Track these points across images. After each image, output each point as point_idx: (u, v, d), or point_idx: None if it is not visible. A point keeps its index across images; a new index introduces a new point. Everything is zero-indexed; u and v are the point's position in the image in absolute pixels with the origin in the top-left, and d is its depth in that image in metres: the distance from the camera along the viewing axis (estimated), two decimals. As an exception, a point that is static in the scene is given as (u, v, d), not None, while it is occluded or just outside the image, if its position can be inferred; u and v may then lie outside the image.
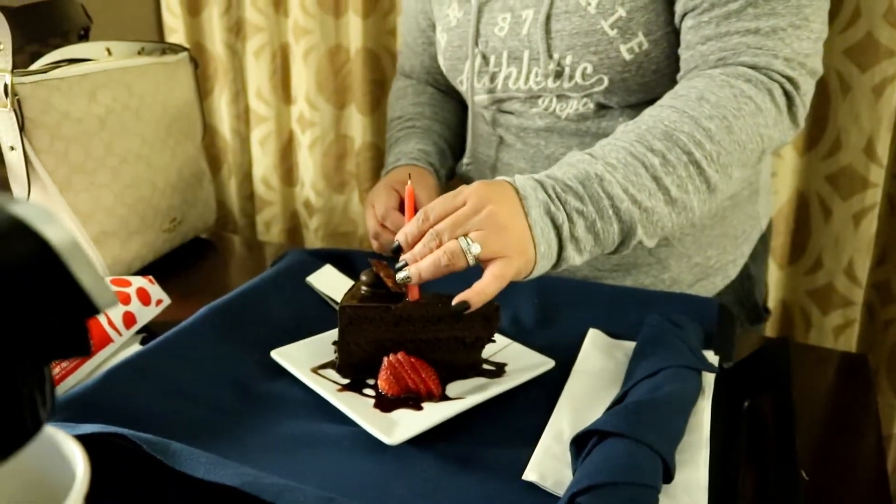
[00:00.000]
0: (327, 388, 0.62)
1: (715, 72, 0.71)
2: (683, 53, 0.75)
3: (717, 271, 0.94)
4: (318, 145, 1.52)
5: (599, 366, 0.65)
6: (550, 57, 0.79)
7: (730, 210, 0.92)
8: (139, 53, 0.96)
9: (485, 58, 0.86)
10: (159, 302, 0.77)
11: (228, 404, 0.61)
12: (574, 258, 0.63)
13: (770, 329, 1.36)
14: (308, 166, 1.55)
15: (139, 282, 0.76)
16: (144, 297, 0.75)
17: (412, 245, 0.62)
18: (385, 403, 0.61)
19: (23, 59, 0.83)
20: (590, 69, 0.78)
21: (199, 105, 1.03)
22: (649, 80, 0.78)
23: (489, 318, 0.65)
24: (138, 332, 0.74)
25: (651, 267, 0.89)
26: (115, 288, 0.74)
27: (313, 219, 1.58)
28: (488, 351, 0.67)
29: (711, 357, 0.67)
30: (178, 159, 0.96)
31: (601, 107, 0.82)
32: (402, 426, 0.57)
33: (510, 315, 0.76)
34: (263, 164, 1.60)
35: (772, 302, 1.32)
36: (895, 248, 1.27)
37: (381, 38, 1.43)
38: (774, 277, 1.30)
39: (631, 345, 0.69)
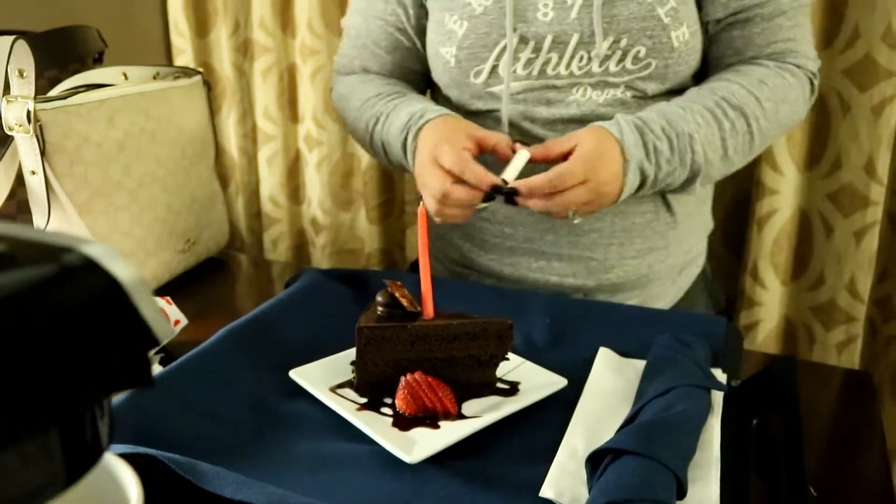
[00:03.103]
0: (346, 407, 0.64)
1: (770, 63, 0.86)
2: (735, 43, 0.87)
3: (693, 261, 1.00)
4: (325, 164, 1.54)
5: (611, 384, 0.67)
6: (605, 39, 0.82)
7: (704, 203, 1.00)
8: (154, 78, 0.98)
9: (522, 44, 0.84)
10: (177, 322, 0.78)
11: (250, 424, 0.63)
12: (640, 194, 0.81)
13: (774, 345, 1.37)
14: (315, 184, 1.57)
15: (158, 303, 0.77)
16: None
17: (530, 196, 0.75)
18: (403, 422, 0.63)
19: (42, 84, 0.86)
20: (642, 53, 0.83)
21: (212, 127, 1.05)
22: (682, 69, 0.86)
23: (503, 337, 0.66)
24: (157, 353, 0.75)
25: (659, 251, 0.93)
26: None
27: (320, 236, 1.59)
28: (502, 370, 0.69)
29: (720, 375, 0.69)
30: (193, 181, 0.98)
31: (635, 96, 0.86)
32: (420, 444, 0.59)
33: (523, 335, 0.77)
34: (271, 182, 1.62)
35: (775, 318, 1.34)
36: (896, 264, 1.28)
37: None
38: (777, 294, 1.32)
39: (641, 363, 0.70)
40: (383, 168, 1.51)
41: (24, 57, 0.79)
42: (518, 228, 0.90)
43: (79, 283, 0.24)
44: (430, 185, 0.79)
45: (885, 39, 1.13)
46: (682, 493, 0.52)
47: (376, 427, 0.61)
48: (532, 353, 0.74)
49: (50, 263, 0.24)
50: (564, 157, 0.77)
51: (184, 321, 0.79)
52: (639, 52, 0.82)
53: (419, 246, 0.67)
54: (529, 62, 0.84)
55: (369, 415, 0.63)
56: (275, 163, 1.60)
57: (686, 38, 0.83)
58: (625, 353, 0.74)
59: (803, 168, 1.25)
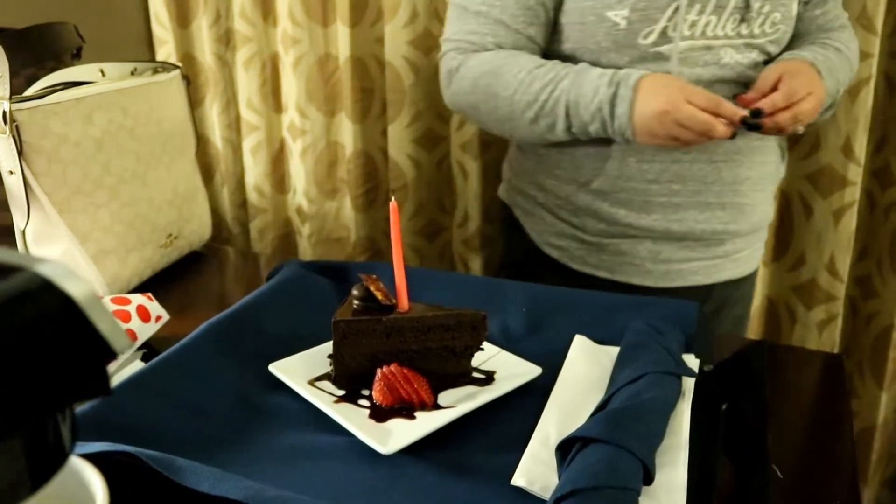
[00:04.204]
0: (324, 399, 0.65)
1: (845, 32, 1.05)
2: (817, 20, 1.03)
3: None
4: (310, 153, 1.55)
5: (585, 372, 0.68)
6: (750, 6, 0.93)
7: None
8: (132, 74, 0.98)
9: (689, 6, 0.91)
10: (158, 318, 0.79)
11: (230, 418, 0.64)
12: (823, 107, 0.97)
13: (756, 325, 1.39)
14: (300, 174, 1.57)
15: (138, 299, 0.78)
16: (144, 314, 0.78)
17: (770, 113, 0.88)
18: (380, 414, 0.64)
19: (19, 82, 0.86)
20: (777, 18, 0.95)
21: (192, 121, 1.05)
22: (788, 37, 0.99)
23: (477, 328, 0.68)
24: (139, 349, 0.76)
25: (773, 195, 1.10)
26: (114, 307, 0.76)
27: (306, 225, 1.60)
28: (478, 359, 0.70)
29: (692, 360, 0.70)
30: (173, 175, 0.99)
31: (765, 60, 0.98)
32: (396, 435, 0.60)
33: (499, 324, 0.79)
34: (255, 172, 1.62)
35: (757, 298, 1.36)
36: (875, 243, 1.30)
37: (368, 47, 1.45)
38: (760, 274, 1.34)
39: (615, 350, 0.72)
40: (367, 157, 1.51)
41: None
42: (687, 184, 0.98)
43: (35, 303, 0.25)
44: (689, 121, 0.86)
45: (860, 21, 1.14)
46: (649, 479, 0.53)
47: (353, 419, 0.62)
48: (508, 342, 0.75)
49: (4, 284, 0.25)
50: (773, 87, 0.91)
51: (166, 317, 0.80)
52: (775, 17, 0.95)
53: (392, 239, 0.68)
54: (693, 24, 0.92)
55: (347, 407, 0.64)
56: (259, 153, 1.60)
57: (796, 10, 0.98)
58: (600, 339, 0.75)
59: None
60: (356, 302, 0.67)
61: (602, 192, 1.00)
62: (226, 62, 1.59)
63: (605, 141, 0.97)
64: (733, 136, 0.88)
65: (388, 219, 1.56)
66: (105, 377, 0.27)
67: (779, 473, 0.59)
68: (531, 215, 1.10)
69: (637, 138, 0.90)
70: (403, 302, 0.67)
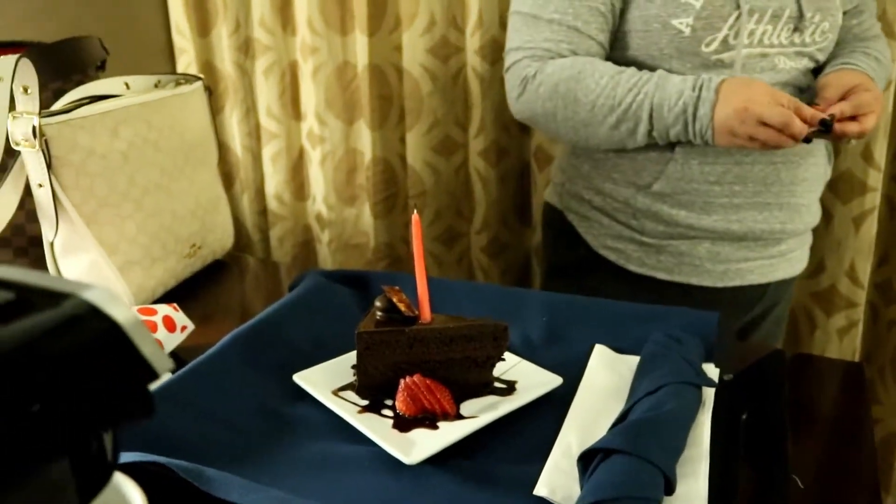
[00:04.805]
0: (348, 409, 0.66)
1: (881, 41, 1.09)
2: (854, 30, 1.07)
3: None
4: (329, 160, 1.56)
5: (605, 381, 0.69)
6: (804, 16, 0.97)
7: None
8: (156, 86, 1.00)
9: (748, 15, 0.94)
10: (184, 328, 0.81)
11: (256, 428, 0.65)
12: None
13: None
14: (319, 181, 1.59)
15: (164, 310, 0.80)
16: (170, 324, 0.79)
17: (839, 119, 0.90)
18: (403, 424, 0.65)
19: (47, 96, 0.87)
20: (827, 27, 0.99)
21: (214, 131, 1.07)
22: (833, 44, 1.03)
23: (498, 338, 0.69)
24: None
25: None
26: (142, 317, 0.77)
27: (325, 232, 1.62)
28: (499, 369, 0.71)
29: (712, 370, 0.71)
30: (196, 186, 1.00)
31: (814, 67, 1.02)
32: (419, 445, 0.61)
33: (519, 334, 0.79)
34: (275, 179, 1.64)
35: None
36: (896, 249, 1.29)
37: (387, 55, 1.47)
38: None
39: (635, 359, 0.72)
40: (385, 164, 1.53)
41: (28, 73, 0.81)
42: (748, 185, 1.00)
43: (84, 328, 0.26)
44: (770, 116, 0.87)
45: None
46: (670, 490, 0.54)
47: (377, 429, 0.63)
48: (529, 352, 0.76)
49: (55, 311, 0.26)
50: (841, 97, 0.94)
51: (191, 327, 0.82)
52: (825, 26, 0.99)
53: (414, 251, 0.69)
54: (752, 32, 0.95)
55: (370, 417, 0.65)
56: (279, 160, 1.62)
57: (840, 20, 1.01)
58: (620, 349, 0.76)
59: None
60: (379, 313, 0.68)
61: (663, 195, 1.02)
62: (245, 71, 1.61)
63: (668, 144, 0.99)
64: (808, 140, 0.90)
65: (407, 224, 1.58)
66: (149, 398, 0.28)
67: (800, 484, 0.59)
68: (587, 219, 1.11)
69: (717, 139, 0.92)
70: (426, 313, 0.68)
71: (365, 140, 1.52)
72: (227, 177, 1.68)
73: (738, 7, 0.93)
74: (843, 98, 0.94)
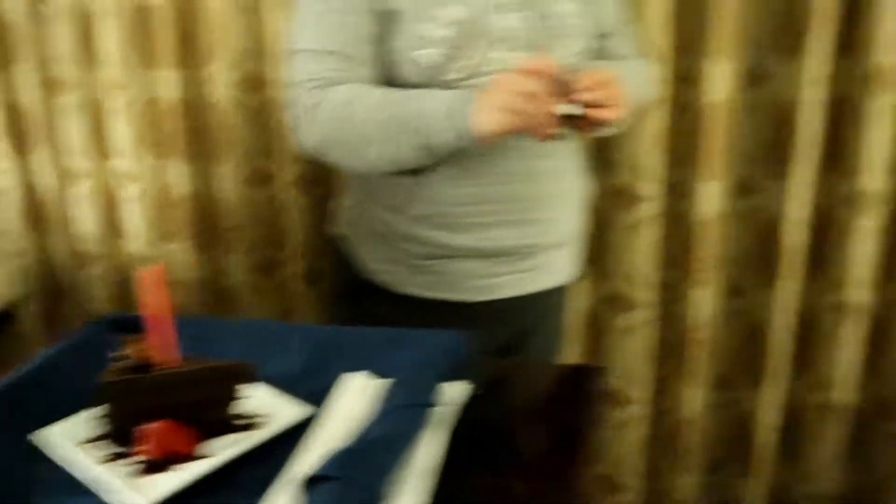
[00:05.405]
0: (92, 460, 0.67)
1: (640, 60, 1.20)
2: (611, 50, 1.15)
3: None
4: (143, 197, 1.54)
5: (348, 408, 0.73)
6: (542, 45, 1.02)
7: None
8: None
9: (490, 45, 0.99)
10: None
11: (10, 488, 0.65)
12: None
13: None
14: (134, 219, 1.57)
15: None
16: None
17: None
18: (152, 468, 0.67)
19: None
20: (567, 53, 1.04)
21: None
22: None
23: (242, 376, 0.72)
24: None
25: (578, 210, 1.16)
26: None
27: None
28: (254, 405, 0.74)
29: (461, 387, 0.76)
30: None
31: None
32: (159, 488, 0.63)
33: (279, 367, 0.82)
34: (87, 219, 1.60)
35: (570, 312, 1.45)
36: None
37: (196, 89, 1.47)
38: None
39: (382, 383, 0.77)
40: (203, 197, 1.52)
41: None
42: (498, 204, 1.05)
43: None
44: (525, 85, 0.90)
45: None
46: (380, 508, 0.58)
47: (121, 475, 0.64)
48: (289, 386, 0.79)
49: None
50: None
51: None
52: (565, 53, 1.03)
53: (152, 305, 0.70)
54: (496, 60, 1.00)
55: (118, 464, 0.67)
56: (89, 200, 1.59)
57: (583, 45, 1.08)
58: (381, 374, 0.79)
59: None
60: (121, 364, 0.70)
61: (421, 217, 1.07)
62: (50, 108, 1.57)
63: (419, 169, 1.03)
64: (568, 126, 0.94)
65: (228, 254, 1.58)
66: None
67: (518, 485, 0.65)
68: (362, 245, 1.15)
69: (480, 121, 0.93)
70: (170, 357, 0.70)
71: (179, 175, 1.52)
72: (37, 220, 1.63)
73: (482, 38, 0.98)
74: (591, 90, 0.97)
